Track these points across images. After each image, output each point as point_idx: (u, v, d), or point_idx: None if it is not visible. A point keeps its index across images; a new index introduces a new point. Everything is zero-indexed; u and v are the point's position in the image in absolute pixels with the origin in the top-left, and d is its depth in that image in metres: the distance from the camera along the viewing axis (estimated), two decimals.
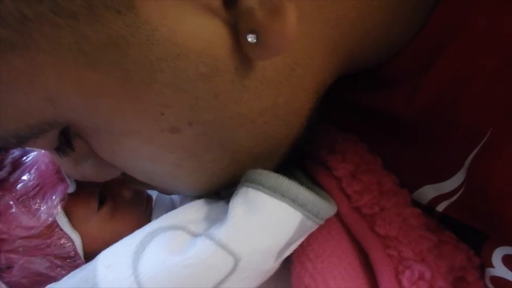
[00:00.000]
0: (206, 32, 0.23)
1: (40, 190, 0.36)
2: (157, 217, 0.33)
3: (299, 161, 0.37)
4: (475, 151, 0.29)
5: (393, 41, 0.30)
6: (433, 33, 0.29)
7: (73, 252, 0.36)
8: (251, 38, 0.23)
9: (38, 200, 0.36)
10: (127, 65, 0.23)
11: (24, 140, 0.26)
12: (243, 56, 0.25)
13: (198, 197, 0.34)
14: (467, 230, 0.32)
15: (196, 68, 0.24)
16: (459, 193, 0.31)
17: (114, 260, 0.30)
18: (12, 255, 0.35)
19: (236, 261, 0.28)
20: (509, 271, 0.29)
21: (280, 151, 0.33)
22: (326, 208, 0.31)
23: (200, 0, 0.22)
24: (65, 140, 0.29)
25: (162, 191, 0.38)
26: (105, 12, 0.21)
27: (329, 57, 0.29)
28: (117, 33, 0.22)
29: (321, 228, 0.32)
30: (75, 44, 0.22)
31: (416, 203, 0.34)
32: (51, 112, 0.25)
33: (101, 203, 0.38)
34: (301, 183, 0.31)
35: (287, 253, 0.31)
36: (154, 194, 0.43)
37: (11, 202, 0.35)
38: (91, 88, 0.24)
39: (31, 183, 0.36)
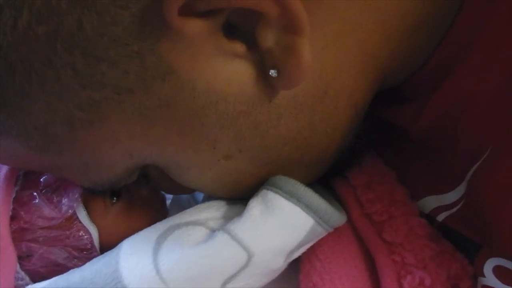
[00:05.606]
0: (238, 75, 0.26)
1: (62, 183, 0.37)
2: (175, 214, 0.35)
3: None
4: (475, 167, 0.31)
5: (415, 61, 0.32)
6: (444, 55, 0.31)
7: (89, 245, 0.37)
8: (273, 73, 0.26)
9: (60, 193, 0.37)
10: (178, 117, 0.27)
11: (115, 184, 0.33)
12: (274, 89, 0.28)
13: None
14: (463, 240, 0.34)
15: (234, 108, 0.27)
16: (459, 205, 0.33)
17: (136, 248, 0.32)
18: (33, 244, 0.36)
19: (249, 256, 0.30)
20: (498, 281, 0.31)
21: (326, 158, 0.35)
22: (336, 217, 0.33)
23: (228, 50, 0.25)
24: (143, 175, 0.34)
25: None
26: (153, 82, 0.25)
27: (362, 78, 0.31)
28: (166, 95, 0.26)
29: (332, 231, 0.33)
30: (136, 111, 0.26)
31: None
32: (131, 162, 0.30)
33: (117, 199, 0.39)
34: (316, 191, 0.32)
35: (296, 255, 0.33)
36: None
37: (35, 193, 0.36)
38: (156, 141, 0.28)
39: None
